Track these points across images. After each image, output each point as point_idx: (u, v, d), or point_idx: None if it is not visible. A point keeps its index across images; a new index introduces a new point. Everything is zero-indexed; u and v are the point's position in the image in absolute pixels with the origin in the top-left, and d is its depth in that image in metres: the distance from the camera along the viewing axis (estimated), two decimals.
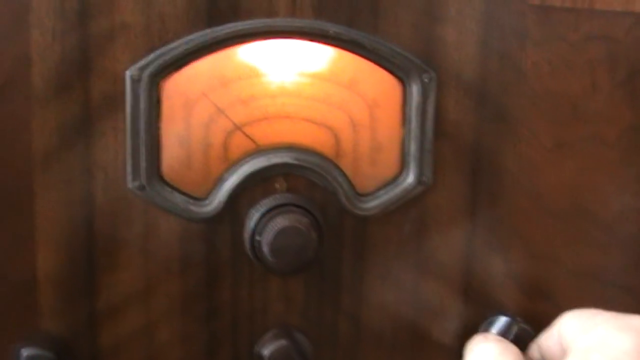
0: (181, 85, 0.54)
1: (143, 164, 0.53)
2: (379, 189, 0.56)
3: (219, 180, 0.54)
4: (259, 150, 0.55)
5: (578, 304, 0.59)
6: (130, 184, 0.53)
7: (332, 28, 0.53)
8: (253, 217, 0.54)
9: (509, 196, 0.57)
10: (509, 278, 0.59)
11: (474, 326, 0.58)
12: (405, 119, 0.55)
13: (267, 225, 0.53)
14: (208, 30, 0.53)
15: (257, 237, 0.53)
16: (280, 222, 0.53)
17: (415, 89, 0.55)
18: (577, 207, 0.59)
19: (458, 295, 0.58)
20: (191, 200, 0.54)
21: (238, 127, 0.54)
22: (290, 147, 0.55)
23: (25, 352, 0.53)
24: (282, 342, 0.55)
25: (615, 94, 0.58)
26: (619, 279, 0.60)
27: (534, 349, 0.53)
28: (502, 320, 0.58)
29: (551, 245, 0.59)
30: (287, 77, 0.55)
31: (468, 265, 0.58)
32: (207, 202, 0.55)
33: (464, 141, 0.56)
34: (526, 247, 0.58)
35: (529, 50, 0.56)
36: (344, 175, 0.55)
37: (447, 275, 0.58)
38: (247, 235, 0.54)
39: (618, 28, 0.57)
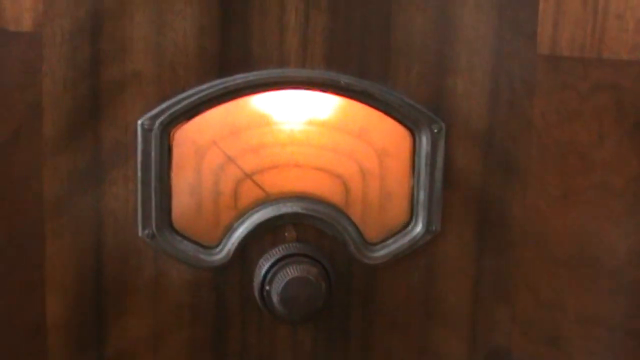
0: (192, 134, 0.54)
1: (154, 212, 0.53)
2: (387, 237, 0.56)
3: (229, 229, 0.55)
4: (269, 199, 0.55)
5: (584, 349, 0.59)
6: (141, 232, 0.54)
7: (343, 79, 0.53)
8: (263, 267, 0.54)
9: (516, 244, 0.58)
10: (516, 325, 0.59)
11: None
12: (414, 169, 0.56)
13: (276, 275, 0.53)
14: (219, 81, 0.53)
15: (267, 287, 0.53)
16: (289, 272, 0.53)
17: (424, 139, 0.55)
18: (584, 255, 0.59)
19: (464, 342, 0.59)
20: (201, 249, 0.55)
21: (248, 176, 0.55)
22: (299, 196, 0.55)
23: None
24: None
25: (622, 142, 0.58)
26: (625, 324, 0.61)
27: None
28: None
29: (557, 292, 0.59)
30: (297, 126, 0.55)
31: (475, 312, 0.58)
32: (216, 250, 0.55)
33: (472, 190, 0.57)
34: (532, 295, 0.59)
35: (538, 100, 0.56)
36: (353, 224, 0.55)
37: (454, 322, 0.58)
38: (256, 284, 0.54)
39: (625, 76, 0.57)
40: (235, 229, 0.55)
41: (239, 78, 0.53)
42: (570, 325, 0.60)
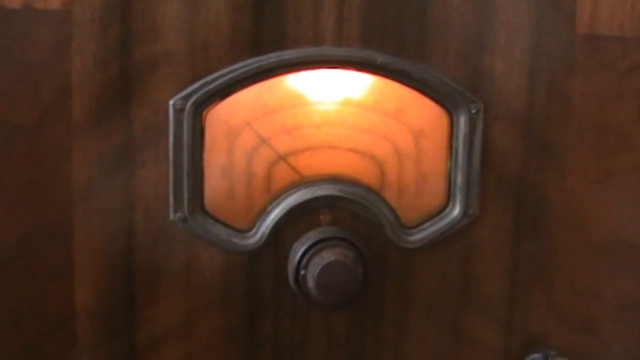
0: (224, 115, 0.53)
1: (186, 195, 0.52)
2: (424, 221, 0.55)
3: (263, 213, 0.53)
4: (303, 182, 0.53)
5: (620, 336, 0.58)
6: (173, 216, 0.52)
7: (379, 58, 0.52)
8: (298, 251, 0.53)
9: (552, 229, 0.57)
10: (551, 311, 0.58)
11: None
12: (451, 150, 0.55)
13: (312, 259, 0.52)
14: (253, 60, 0.52)
15: (302, 271, 0.52)
16: (325, 256, 0.52)
17: (462, 120, 0.54)
18: (620, 240, 0.58)
19: (500, 328, 0.57)
20: (234, 233, 0.53)
21: (282, 158, 0.53)
22: (334, 179, 0.54)
23: None
24: None
25: None
26: None
27: None
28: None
29: (593, 278, 0.58)
30: (331, 107, 0.54)
31: (511, 297, 0.57)
32: (250, 234, 0.54)
33: (509, 173, 0.55)
34: (568, 280, 0.58)
35: (577, 80, 0.55)
36: (389, 207, 0.54)
37: (490, 308, 0.57)
38: (291, 268, 0.53)
39: None
40: (269, 213, 0.53)
41: (273, 57, 0.52)
42: (606, 311, 0.59)
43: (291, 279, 0.53)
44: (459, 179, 0.54)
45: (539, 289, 0.57)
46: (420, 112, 0.54)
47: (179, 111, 0.51)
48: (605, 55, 0.55)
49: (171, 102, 0.51)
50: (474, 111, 0.54)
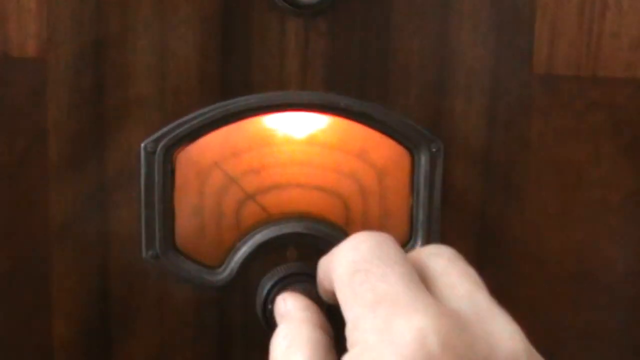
0: (194, 156, 0.55)
1: (157, 233, 0.54)
2: None
3: (232, 250, 0.56)
4: (270, 220, 0.56)
5: None
6: (145, 254, 0.54)
7: (342, 101, 0.54)
8: (265, 286, 0.55)
9: (514, 262, 0.58)
10: None
11: None
12: (413, 188, 0.57)
13: (278, 294, 0.54)
14: (221, 104, 0.54)
15: (269, 305, 0.54)
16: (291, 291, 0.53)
17: (423, 159, 0.56)
18: (582, 271, 0.60)
19: None
20: (204, 269, 0.56)
21: (250, 197, 0.55)
22: (301, 216, 0.56)
23: None
24: None
25: (618, 160, 0.59)
26: (624, 338, 0.61)
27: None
28: None
29: (555, 309, 0.60)
30: (298, 147, 0.56)
31: None
32: (220, 270, 0.56)
33: (470, 208, 0.57)
34: (531, 311, 0.59)
35: (535, 119, 0.57)
36: None
37: None
38: (259, 303, 0.55)
39: (620, 95, 0.58)
40: (238, 249, 0.55)
41: (240, 101, 0.54)
42: (570, 342, 0.60)
43: (259, 313, 0.55)
44: (421, 215, 0.56)
45: None
46: (383, 151, 0.56)
47: (150, 154, 0.54)
48: (563, 95, 0.57)
49: (142, 145, 0.54)
50: (434, 150, 0.56)
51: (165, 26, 0.53)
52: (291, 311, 0.46)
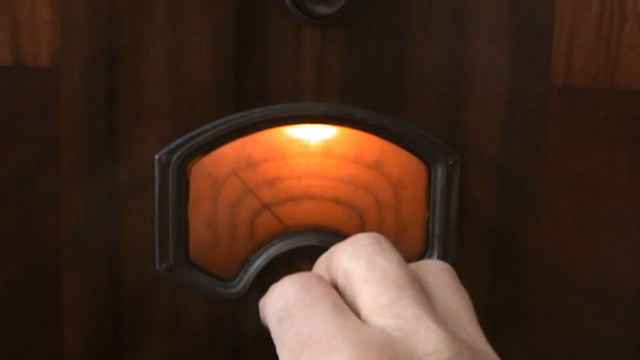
0: (209, 167, 0.54)
1: (171, 245, 0.54)
2: None
3: (246, 262, 0.55)
4: (285, 233, 0.55)
5: None
6: (158, 266, 0.54)
7: (358, 112, 0.54)
8: None
9: (530, 274, 0.58)
10: (529, 353, 0.59)
11: None
12: (429, 200, 0.56)
13: None
14: (236, 115, 0.53)
15: None
16: None
17: (439, 171, 0.55)
18: (597, 283, 0.59)
19: None
20: (218, 282, 0.55)
21: (267, 208, 0.55)
22: (315, 229, 0.55)
23: None
24: None
25: (635, 172, 0.58)
26: (638, 351, 0.61)
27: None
28: None
29: (571, 321, 0.59)
30: (313, 159, 0.55)
31: (489, 341, 0.58)
32: (233, 283, 0.55)
33: (487, 221, 0.57)
34: (547, 323, 0.59)
35: (551, 130, 0.56)
36: None
37: None
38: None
39: (638, 107, 0.58)
40: (252, 262, 0.55)
41: (255, 112, 0.53)
42: (584, 353, 0.60)
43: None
44: (437, 228, 0.56)
45: (518, 333, 0.59)
46: (399, 163, 0.56)
47: (164, 165, 0.53)
48: (580, 106, 0.57)
49: (157, 156, 0.53)
50: (451, 162, 0.55)
51: (179, 35, 0.52)
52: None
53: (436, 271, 0.41)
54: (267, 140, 0.55)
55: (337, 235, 0.55)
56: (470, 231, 0.57)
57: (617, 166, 0.58)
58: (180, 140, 0.53)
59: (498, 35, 0.55)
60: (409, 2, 0.54)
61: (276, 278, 0.54)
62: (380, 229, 0.56)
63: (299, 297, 0.37)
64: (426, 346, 0.34)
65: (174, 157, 0.53)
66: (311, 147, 0.55)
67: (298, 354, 0.35)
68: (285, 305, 0.38)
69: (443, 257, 0.56)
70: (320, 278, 0.39)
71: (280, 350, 0.37)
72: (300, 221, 0.56)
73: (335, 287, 0.40)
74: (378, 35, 0.54)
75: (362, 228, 0.56)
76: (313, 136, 0.55)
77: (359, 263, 0.38)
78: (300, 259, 0.55)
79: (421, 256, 0.57)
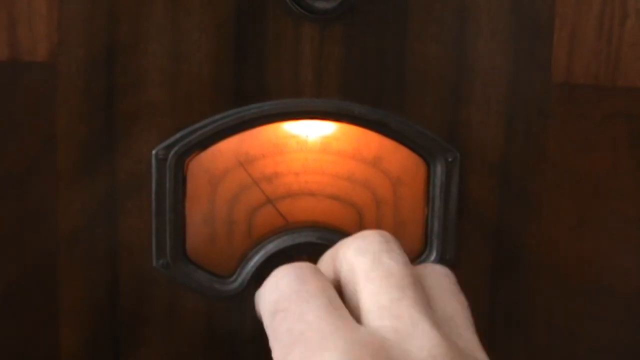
0: (206, 164, 0.54)
1: (168, 242, 0.53)
2: None
3: (243, 259, 0.55)
4: (283, 229, 0.55)
5: None
6: (155, 263, 0.54)
7: (357, 109, 0.53)
8: None
9: (530, 273, 0.58)
10: (530, 353, 0.59)
11: None
12: (428, 198, 0.56)
13: None
14: (234, 111, 0.53)
15: None
16: None
17: (439, 169, 0.55)
18: (598, 283, 0.59)
19: None
20: (215, 278, 0.55)
21: (271, 202, 0.55)
22: (314, 225, 0.55)
23: None
24: None
25: (636, 171, 0.58)
26: (638, 352, 0.61)
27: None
28: None
29: (572, 321, 0.59)
30: (311, 155, 0.55)
31: (489, 342, 0.58)
32: (231, 280, 0.55)
33: (486, 220, 0.56)
34: (547, 323, 0.59)
35: (552, 129, 0.56)
36: None
37: None
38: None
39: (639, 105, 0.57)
40: (250, 259, 0.54)
41: (253, 108, 0.53)
42: (585, 354, 0.60)
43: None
44: (436, 225, 0.55)
45: (518, 332, 0.58)
46: (398, 160, 0.55)
47: (161, 161, 0.53)
48: (581, 104, 0.56)
49: (154, 152, 0.53)
50: (450, 160, 0.55)
51: (178, 31, 0.52)
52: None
53: (436, 275, 0.41)
54: (265, 136, 0.54)
55: (335, 232, 0.55)
56: (470, 230, 0.56)
57: (619, 164, 0.57)
58: (177, 136, 0.53)
59: (499, 32, 0.54)
60: None
61: None
62: (378, 225, 0.56)
63: (293, 289, 0.37)
64: (421, 351, 0.34)
65: (171, 153, 0.52)
66: (310, 144, 0.55)
67: (290, 350, 0.35)
68: (278, 298, 0.37)
69: (442, 254, 0.56)
70: (316, 270, 0.39)
71: (273, 344, 0.37)
72: (298, 217, 0.55)
73: (338, 280, 0.40)
74: (378, 31, 0.54)
75: (361, 225, 0.56)
76: (311, 132, 0.55)
77: (364, 259, 0.38)
78: (298, 255, 0.55)
79: (420, 253, 0.56)
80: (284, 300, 0.38)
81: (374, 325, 0.36)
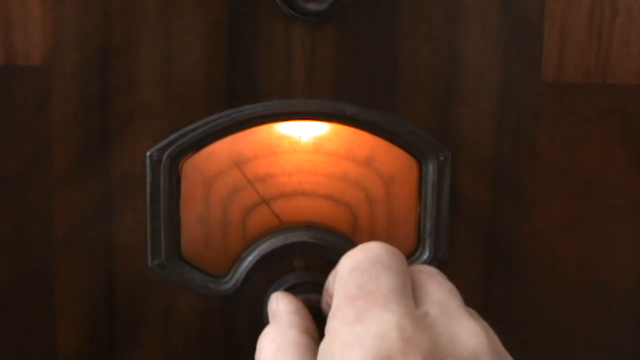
0: (200, 164, 0.54)
1: (163, 243, 0.54)
2: None
3: (238, 259, 0.55)
4: (277, 229, 0.55)
5: None
6: (150, 263, 0.54)
7: (349, 109, 0.54)
8: None
9: (523, 271, 0.58)
10: (523, 350, 0.59)
11: None
12: (421, 197, 0.56)
13: None
14: (227, 112, 0.53)
15: None
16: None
17: (431, 167, 0.55)
18: (592, 280, 0.59)
19: None
20: (210, 279, 0.55)
21: (265, 202, 0.55)
22: (307, 225, 0.55)
23: None
24: None
25: (628, 167, 0.58)
26: (632, 348, 0.61)
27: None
28: None
29: (566, 318, 0.59)
30: (304, 155, 0.55)
31: None
32: (225, 279, 0.55)
33: (479, 218, 0.57)
34: (540, 320, 0.59)
35: (544, 127, 0.56)
36: None
37: None
38: (265, 313, 0.54)
39: (631, 101, 0.58)
40: (244, 259, 0.55)
41: (246, 110, 0.53)
42: (579, 351, 0.60)
43: (265, 322, 0.54)
44: (428, 224, 0.56)
45: (512, 330, 0.59)
46: (390, 159, 0.56)
47: (155, 162, 0.53)
48: (572, 102, 0.57)
49: (148, 153, 0.53)
50: (442, 159, 0.55)
51: (171, 34, 0.53)
52: (281, 313, 0.48)
53: (428, 270, 0.44)
54: (258, 137, 0.55)
55: (329, 231, 0.55)
56: (463, 228, 0.57)
57: (610, 162, 0.58)
58: (171, 138, 0.53)
59: (489, 32, 0.55)
60: None
61: (268, 274, 0.55)
62: (372, 225, 0.56)
63: (379, 259, 0.42)
64: (467, 331, 0.40)
65: (165, 155, 0.53)
66: (302, 144, 0.55)
67: (353, 299, 0.39)
68: (363, 260, 0.41)
69: (435, 253, 0.56)
70: (403, 256, 0.44)
71: (338, 292, 0.41)
72: (292, 218, 0.56)
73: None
74: (369, 31, 0.54)
75: (354, 224, 0.56)
76: (304, 133, 0.55)
77: (420, 275, 0.44)
78: (292, 256, 0.55)
79: (413, 252, 0.57)
80: (366, 262, 0.41)
81: (426, 309, 0.41)
